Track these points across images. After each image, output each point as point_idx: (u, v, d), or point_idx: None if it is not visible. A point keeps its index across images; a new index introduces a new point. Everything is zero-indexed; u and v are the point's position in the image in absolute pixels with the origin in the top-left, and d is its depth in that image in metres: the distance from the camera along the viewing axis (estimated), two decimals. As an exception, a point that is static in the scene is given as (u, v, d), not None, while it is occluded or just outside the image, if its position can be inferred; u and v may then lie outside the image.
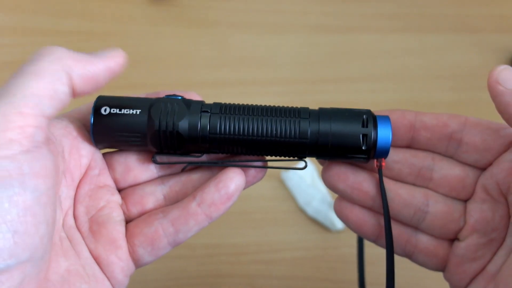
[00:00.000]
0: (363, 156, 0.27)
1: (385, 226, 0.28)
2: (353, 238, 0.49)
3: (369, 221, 0.30)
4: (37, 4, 0.61)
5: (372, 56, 0.61)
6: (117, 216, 0.28)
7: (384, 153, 0.27)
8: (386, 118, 0.28)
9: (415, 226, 0.30)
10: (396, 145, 0.30)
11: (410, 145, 0.30)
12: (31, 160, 0.22)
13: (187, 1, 0.63)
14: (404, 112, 0.29)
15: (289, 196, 0.50)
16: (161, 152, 0.28)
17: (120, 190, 0.30)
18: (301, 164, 0.28)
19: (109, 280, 0.27)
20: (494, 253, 0.28)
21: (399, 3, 0.64)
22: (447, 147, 0.29)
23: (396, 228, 0.30)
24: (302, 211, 0.50)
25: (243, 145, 0.27)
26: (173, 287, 0.47)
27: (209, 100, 0.29)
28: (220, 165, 0.29)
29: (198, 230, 0.28)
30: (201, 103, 0.28)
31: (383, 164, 0.28)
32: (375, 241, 0.31)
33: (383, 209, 0.29)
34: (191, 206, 0.28)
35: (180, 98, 0.28)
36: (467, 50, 0.61)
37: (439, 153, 0.30)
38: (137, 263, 0.28)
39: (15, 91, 0.22)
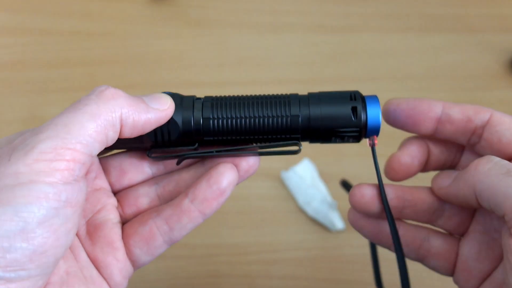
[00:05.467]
0: (354, 129, 0.28)
1: (385, 207, 0.29)
2: (353, 238, 0.49)
3: (384, 230, 0.31)
4: (37, 4, 0.61)
5: (372, 56, 0.61)
6: (114, 218, 0.29)
7: (375, 130, 0.28)
8: (374, 97, 0.28)
9: (432, 222, 0.31)
10: (422, 134, 0.30)
11: (434, 135, 0.30)
12: (69, 190, 0.23)
13: (187, 1, 0.63)
14: (431, 103, 0.29)
15: (289, 196, 0.50)
16: (156, 145, 0.29)
17: (115, 193, 0.30)
18: (294, 148, 0.29)
19: (107, 282, 0.27)
20: (499, 259, 0.28)
21: (399, 3, 0.64)
22: (469, 140, 0.29)
23: (409, 234, 0.31)
24: (302, 211, 0.50)
25: (236, 131, 0.28)
26: (173, 287, 0.47)
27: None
28: (214, 154, 0.29)
29: (193, 227, 0.28)
30: (193, 96, 0.29)
31: (376, 142, 0.28)
32: (389, 247, 0.31)
33: (380, 189, 0.29)
34: (184, 203, 0.28)
35: (169, 93, 0.29)
36: (467, 50, 0.61)
37: (462, 144, 0.30)
38: (135, 264, 0.28)
39: (70, 128, 0.23)
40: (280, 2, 0.64)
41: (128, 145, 0.29)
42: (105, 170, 0.30)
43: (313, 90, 0.30)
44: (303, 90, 0.30)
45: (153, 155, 0.29)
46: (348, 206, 0.31)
